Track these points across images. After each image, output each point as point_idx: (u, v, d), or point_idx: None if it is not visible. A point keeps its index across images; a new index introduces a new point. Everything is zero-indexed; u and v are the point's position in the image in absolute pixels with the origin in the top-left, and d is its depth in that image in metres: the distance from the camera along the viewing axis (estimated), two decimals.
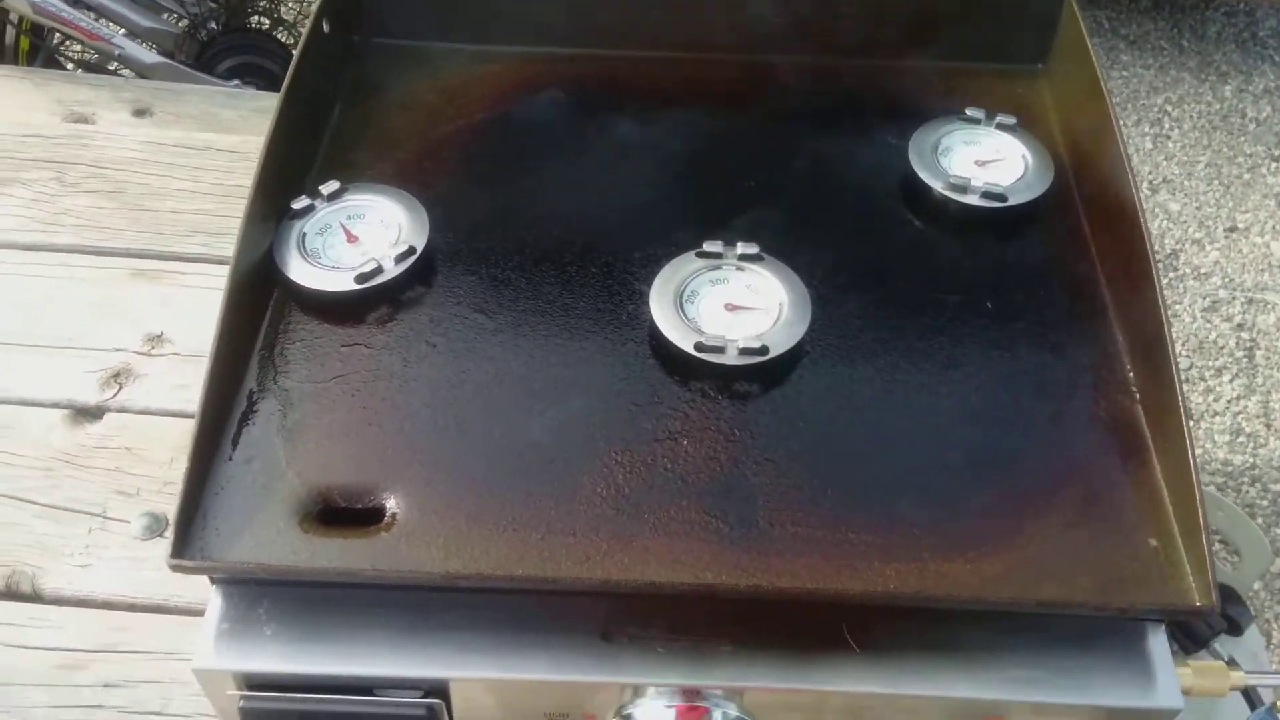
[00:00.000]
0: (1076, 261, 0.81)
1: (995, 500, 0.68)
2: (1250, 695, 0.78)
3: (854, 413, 0.73)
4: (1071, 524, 0.67)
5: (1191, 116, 2.57)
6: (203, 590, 0.87)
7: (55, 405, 0.99)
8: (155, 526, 0.91)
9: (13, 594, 0.87)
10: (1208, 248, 2.27)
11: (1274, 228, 2.31)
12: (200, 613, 0.84)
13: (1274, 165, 2.45)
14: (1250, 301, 2.17)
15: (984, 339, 0.77)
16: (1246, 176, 2.43)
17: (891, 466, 0.70)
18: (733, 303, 0.76)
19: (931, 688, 0.65)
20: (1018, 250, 0.83)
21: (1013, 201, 0.82)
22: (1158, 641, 0.66)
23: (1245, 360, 2.08)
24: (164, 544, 0.90)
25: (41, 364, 1.02)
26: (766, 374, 0.73)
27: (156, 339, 1.04)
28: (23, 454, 0.95)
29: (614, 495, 0.68)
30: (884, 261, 0.82)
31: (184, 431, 0.97)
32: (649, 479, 0.69)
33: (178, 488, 0.91)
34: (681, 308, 0.76)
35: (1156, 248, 2.22)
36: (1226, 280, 2.21)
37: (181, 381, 1.01)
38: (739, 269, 0.78)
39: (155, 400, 1.00)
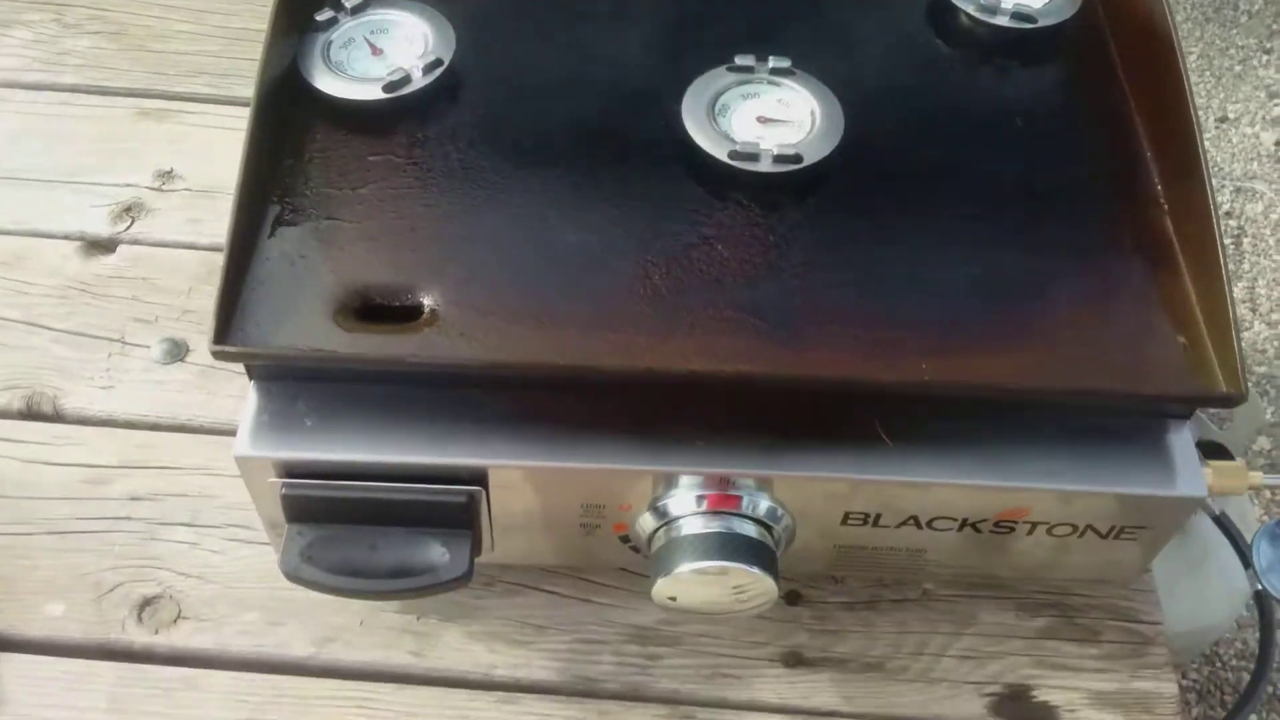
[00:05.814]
0: (1107, 82, 0.81)
1: (1028, 301, 0.70)
2: (1261, 600, 0.80)
3: (889, 223, 0.73)
4: (1103, 323, 0.69)
5: (1184, 8, 2.55)
6: (226, 411, 0.88)
7: (67, 238, 0.98)
8: (175, 351, 0.91)
9: (33, 414, 0.87)
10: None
11: (1264, 118, 2.32)
12: (226, 432, 0.85)
13: (1265, 57, 2.45)
14: (1239, 190, 2.19)
15: (1015, 157, 0.77)
16: (1238, 69, 2.42)
17: (926, 272, 0.71)
18: (765, 115, 0.76)
19: (960, 477, 0.67)
20: (1047, 72, 0.83)
21: (1042, 23, 0.82)
22: (1180, 437, 0.68)
23: (1233, 248, 2.10)
24: (186, 368, 0.91)
25: (51, 198, 1.00)
26: (801, 182, 0.73)
27: (167, 175, 1.02)
28: (38, 282, 0.94)
29: (651, 295, 0.68)
30: (913, 81, 0.82)
31: (201, 262, 0.97)
32: (685, 280, 0.69)
33: (198, 315, 0.93)
34: (714, 119, 0.75)
35: None
36: (1216, 169, 2.21)
37: (195, 216, 1.00)
38: (771, 83, 0.78)
39: (169, 234, 0.99)
